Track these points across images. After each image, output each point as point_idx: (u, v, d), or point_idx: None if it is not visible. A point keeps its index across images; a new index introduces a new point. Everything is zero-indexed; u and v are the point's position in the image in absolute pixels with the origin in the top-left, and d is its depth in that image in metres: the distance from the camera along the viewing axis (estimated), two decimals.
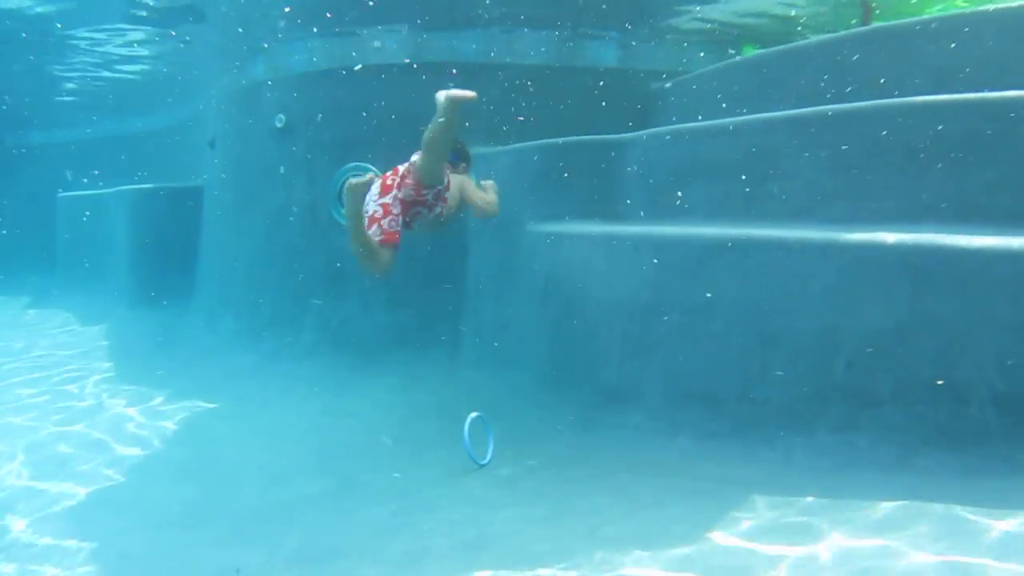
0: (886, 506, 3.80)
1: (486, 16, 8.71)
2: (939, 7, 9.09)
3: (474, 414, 5.59)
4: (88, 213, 14.49)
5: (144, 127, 17.25)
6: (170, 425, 7.00)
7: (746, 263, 5.02)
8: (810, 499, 4.07)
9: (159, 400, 7.74)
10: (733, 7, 9.17)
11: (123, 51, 13.11)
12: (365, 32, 8.96)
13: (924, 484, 4.01)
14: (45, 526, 5.03)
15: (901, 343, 4.41)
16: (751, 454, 4.74)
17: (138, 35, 12.13)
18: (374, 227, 4.84)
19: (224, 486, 5.61)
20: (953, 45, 6.02)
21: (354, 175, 8.37)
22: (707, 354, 5.18)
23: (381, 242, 4.80)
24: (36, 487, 5.69)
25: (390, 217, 4.91)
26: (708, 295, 5.17)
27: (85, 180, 16.07)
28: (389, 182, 5.00)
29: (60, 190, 16.17)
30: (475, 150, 8.17)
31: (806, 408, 4.69)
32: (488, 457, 5.51)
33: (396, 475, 5.53)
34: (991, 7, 6.15)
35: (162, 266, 12.03)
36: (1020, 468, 3.96)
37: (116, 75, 14.61)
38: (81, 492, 5.59)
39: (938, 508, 3.68)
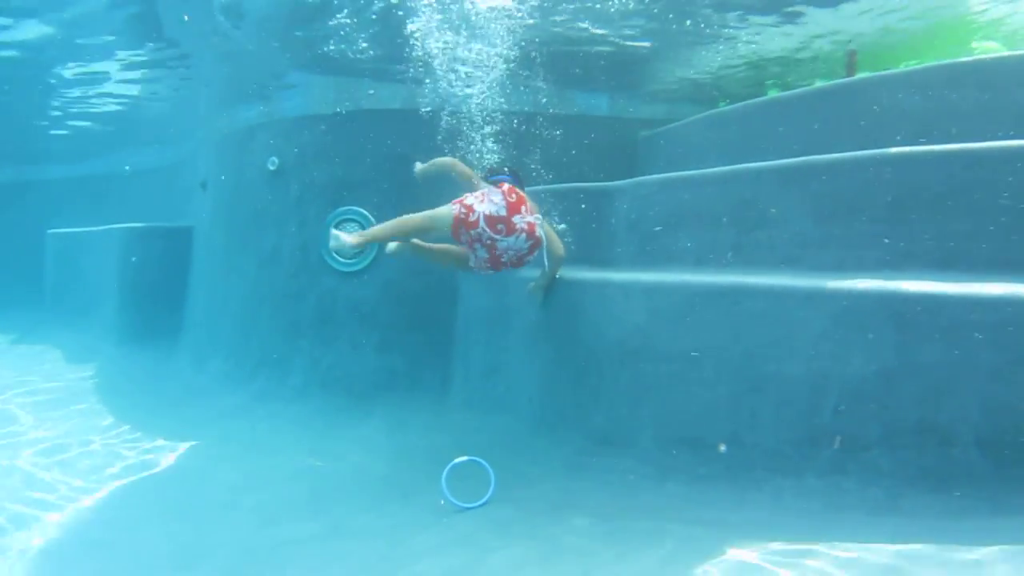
0: (875, 548, 3.86)
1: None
2: (915, 60, 9.30)
3: (462, 458, 5.64)
4: (78, 250, 14.51)
5: (135, 166, 17.33)
6: (159, 465, 6.96)
7: (735, 310, 5.10)
8: (799, 542, 4.12)
9: (148, 439, 7.68)
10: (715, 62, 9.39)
11: (117, 90, 13.23)
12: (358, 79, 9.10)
13: (911, 526, 4.09)
14: (32, 565, 5.00)
15: (887, 388, 4.50)
16: (740, 498, 4.80)
17: (133, 74, 12.26)
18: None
19: (216, 526, 5.57)
20: (933, 95, 6.20)
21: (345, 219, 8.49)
22: (696, 400, 5.24)
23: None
24: (22, 526, 5.65)
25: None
26: (697, 341, 5.26)
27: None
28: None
29: (50, 226, 16.19)
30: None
31: (795, 452, 4.76)
32: (487, 498, 5.55)
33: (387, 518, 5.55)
34: (970, 58, 6.33)
35: (151, 305, 12.03)
36: (1003, 508, 4.05)
37: (109, 113, 14.69)
38: (71, 530, 5.55)
39: (929, 549, 3.75)
